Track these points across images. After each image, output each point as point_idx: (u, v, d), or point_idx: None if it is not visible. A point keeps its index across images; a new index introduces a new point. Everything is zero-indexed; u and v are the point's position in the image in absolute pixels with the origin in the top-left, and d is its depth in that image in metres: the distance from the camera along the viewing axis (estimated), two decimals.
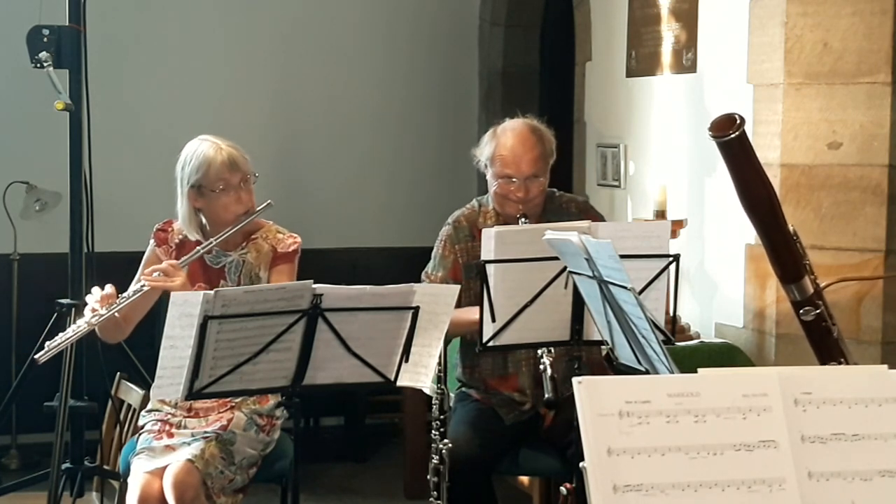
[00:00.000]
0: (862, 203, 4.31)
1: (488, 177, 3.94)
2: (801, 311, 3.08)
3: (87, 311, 3.62)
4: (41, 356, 3.64)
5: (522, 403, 3.94)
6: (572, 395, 1.90)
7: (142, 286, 3.64)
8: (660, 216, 4.77)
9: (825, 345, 3.09)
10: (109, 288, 3.66)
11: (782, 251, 3.09)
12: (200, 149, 3.75)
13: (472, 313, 3.58)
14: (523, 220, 3.82)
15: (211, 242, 3.72)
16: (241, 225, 3.74)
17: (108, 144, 5.51)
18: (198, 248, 3.73)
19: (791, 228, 3.09)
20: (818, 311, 3.06)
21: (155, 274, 3.63)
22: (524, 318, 3.43)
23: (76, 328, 3.62)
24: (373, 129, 6.77)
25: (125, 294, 3.65)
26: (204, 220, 3.77)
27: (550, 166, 3.95)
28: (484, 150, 3.94)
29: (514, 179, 3.85)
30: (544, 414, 3.90)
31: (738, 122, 2.97)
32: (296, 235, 3.85)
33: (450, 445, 3.68)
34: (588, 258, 2.91)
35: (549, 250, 3.17)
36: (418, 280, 3.94)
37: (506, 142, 3.89)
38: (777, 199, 3.09)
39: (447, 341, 3.58)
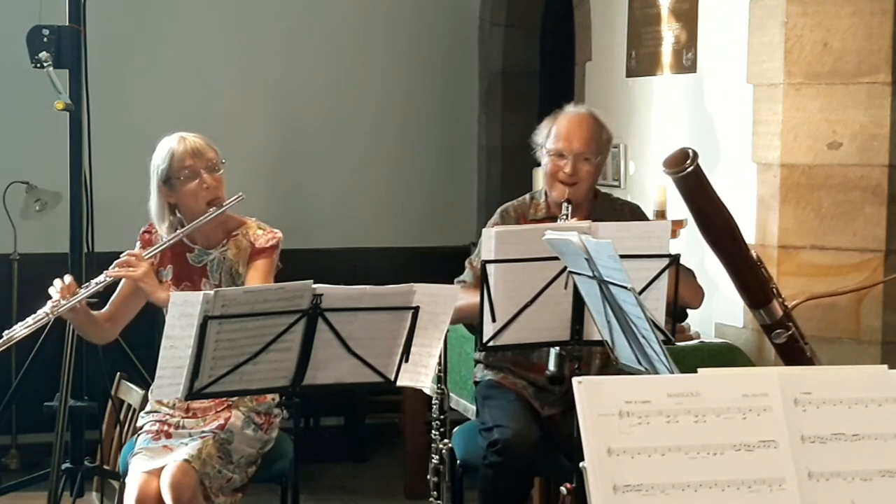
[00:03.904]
0: (862, 203, 4.31)
1: (543, 161, 3.93)
2: (773, 335, 3.12)
3: (49, 303, 3.60)
4: None
5: (551, 392, 3.82)
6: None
7: (104, 277, 3.63)
8: (660, 216, 4.77)
9: (800, 365, 3.12)
10: (68, 278, 3.65)
11: (747, 277, 3.15)
12: (167, 143, 3.76)
13: (477, 296, 3.56)
14: (566, 204, 3.80)
15: (178, 234, 3.70)
16: (210, 216, 3.70)
17: (108, 144, 5.50)
18: (165, 238, 3.72)
19: (754, 254, 3.14)
20: (790, 333, 3.11)
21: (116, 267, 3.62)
22: (524, 318, 3.42)
23: (35, 317, 3.59)
24: (373, 129, 6.77)
25: (87, 284, 3.65)
26: (181, 216, 3.76)
27: (603, 160, 3.95)
28: (542, 132, 3.95)
29: (564, 155, 3.85)
30: (553, 417, 3.85)
31: (692, 155, 3.04)
32: (276, 231, 3.81)
33: (503, 439, 3.59)
34: (588, 258, 2.91)
35: (549, 250, 3.17)
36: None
37: (563, 120, 3.92)
38: (737, 227, 3.14)
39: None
